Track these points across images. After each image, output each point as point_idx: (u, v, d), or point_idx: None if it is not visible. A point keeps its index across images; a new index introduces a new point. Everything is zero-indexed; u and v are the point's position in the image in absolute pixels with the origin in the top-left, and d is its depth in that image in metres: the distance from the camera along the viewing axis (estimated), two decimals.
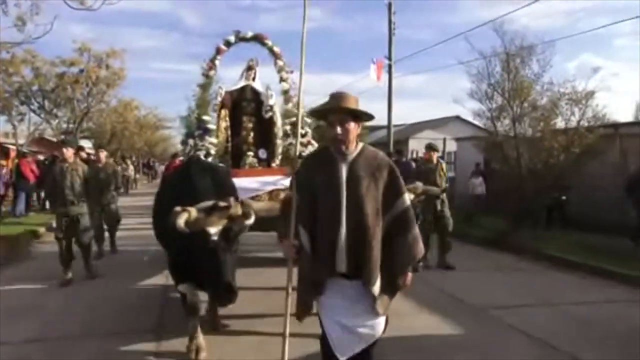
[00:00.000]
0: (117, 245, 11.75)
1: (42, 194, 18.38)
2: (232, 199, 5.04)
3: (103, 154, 11.49)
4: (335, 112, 3.60)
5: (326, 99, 3.75)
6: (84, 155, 15.83)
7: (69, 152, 8.80)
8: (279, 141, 9.30)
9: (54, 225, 9.19)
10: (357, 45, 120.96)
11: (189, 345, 5.81)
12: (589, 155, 16.26)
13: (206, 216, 4.79)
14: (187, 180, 5.69)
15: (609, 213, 15.40)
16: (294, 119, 8.99)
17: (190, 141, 8.60)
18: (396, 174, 3.71)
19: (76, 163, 8.90)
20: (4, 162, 21.90)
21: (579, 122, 17.20)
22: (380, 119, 26.27)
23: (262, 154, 9.22)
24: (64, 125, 29.77)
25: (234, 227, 4.87)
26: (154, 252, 8.78)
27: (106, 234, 11.41)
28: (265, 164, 9.22)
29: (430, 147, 11.11)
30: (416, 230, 3.71)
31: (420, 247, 3.70)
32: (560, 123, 17.67)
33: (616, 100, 43.13)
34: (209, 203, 4.92)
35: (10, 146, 31.21)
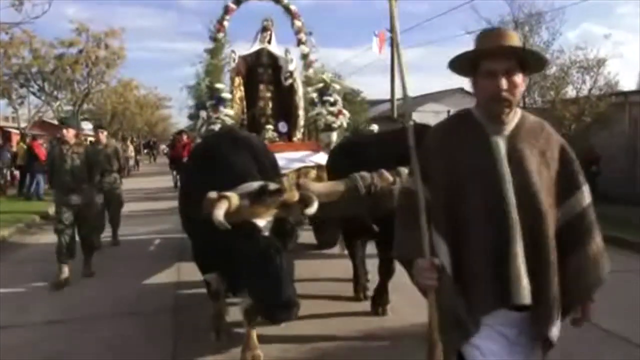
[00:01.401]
0: (118, 235, 9.56)
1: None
2: (285, 180, 3.52)
3: (103, 134, 9.58)
4: (494, 56, 2.08)
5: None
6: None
7: (69, 133, 7.06)
8: (300, 112, 7.67)
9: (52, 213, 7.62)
10: (353, 20, 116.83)
11: (213, 325, 4.83)
12: (600, 124, 14.87)
13: (252, 204, 3.27)
14: (221, 158, 4.12)
15: (620, 182, 14.16)
16: (320, 85, 7.35)
17: (202, 113, 6.92)
18: (571, 156, 2.21)
19: (78, 145, 7.18)
20: None
21: (590, 90, 15.84)
22: (381, 93, 24.70)
23: (283, 127, 7.61)
24: (66, 108, 27.89)
25: (289, 219, 3.37)
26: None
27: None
28: (286, 138, 7.61)
29: None
30: (600, 238, 2.20)
31: (607, 263, 2.22)
32: (571, 92, 16.34)
33: (620, 68, 40.80)
34: (255, 185, 3.41)
35: (13, 130, 29.35)
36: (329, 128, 7.22)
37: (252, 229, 3.23)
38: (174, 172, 18.02)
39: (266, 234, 3.23)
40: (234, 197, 3.23)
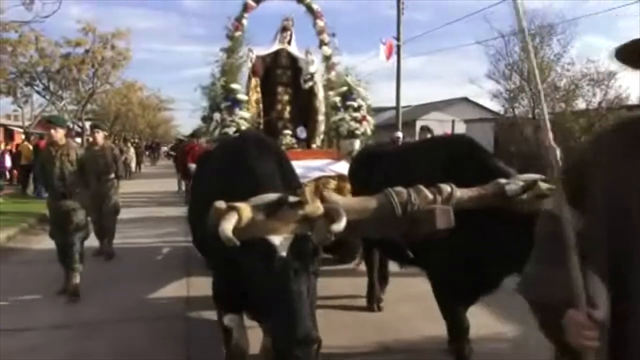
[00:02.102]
0: (114, 244, 8.35)
1: None
2: (307, 190, 2.84)
3: (99, 135, 8.34)
4: None
5: None
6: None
7: (58, 133, 6.21)
8: (321, 117, 6.98)
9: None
10: (355, 27, 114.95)
11: None
12: None
13: (267, 217, 2.62)
14: (241, 163, 3.39)
15: None
16: (343, 89, 6.66)
17: (216, 115, 6.23)
18: None
19: (68, 146, 6.31)
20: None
21: (600, 103, 15.32)
22: (385, 100, 23.99)
23: (301, 132, 6.91)
24: (70, 107, 27.15)
25: (312, 236, 2.66)
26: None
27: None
28: (305, 145, 6.92)
29: None
30: None
31: None
32: (581, 104, 15.84)
33: (631, 82, 39.70)
34: (272, 196, 2.73)
35: (16, 128, 28.58)
36: (351, 135, 6.52)
37: (266, 248, 2.56)
38: (179, 176, 16.67)
39: (283, 254, 2.54)
40: (245, 209, 2.58)
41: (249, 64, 6.70)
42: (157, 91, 43.54)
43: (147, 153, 49.58)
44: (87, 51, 24.07)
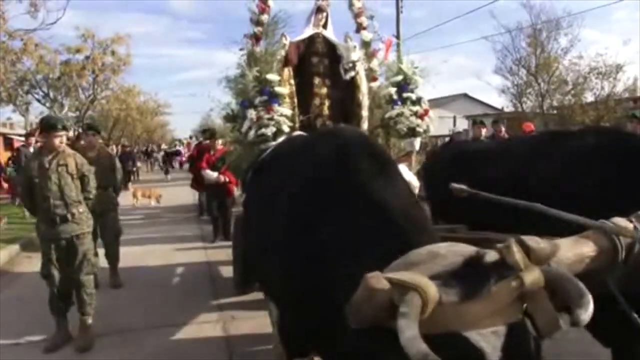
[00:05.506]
0: (118, 273, 6.59)
1: None
2: (513, 242, 1.35)
3: (96, 140, 6.46)
4: None
5: None
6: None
7: (57, 139, 4.47)
8: (364, 112, 5.52)
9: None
10: (352, 25, 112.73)
11: None
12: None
13: (465, 299, 1.09)
14: (351, 187, 1.98)
15: None
16: (398, 78, 5.25)
17: (251, 113, 4.77)
18: None
19: (66, 154, 4.58)
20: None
21: (608, 95, 14.21)
22: None
23: None
24: (70, 114, 25.51)
25: (529, 326, 1.19)
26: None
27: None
28: None
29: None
30: None
31: None
32: (590, 98, 14.74)
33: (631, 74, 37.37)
34: (459, 253, 1.20)
35: (15, 137, 26.80)
36: (412, 133, 5.13)
37: (465, 354, 1.14)
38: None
39: None
40: (429, 287, 1.12)
41: (282, 52, 5.26)
42: (155, 95, 41.54)
43: (144, 158, 47.21)
44: (87, 57, 22.54)
